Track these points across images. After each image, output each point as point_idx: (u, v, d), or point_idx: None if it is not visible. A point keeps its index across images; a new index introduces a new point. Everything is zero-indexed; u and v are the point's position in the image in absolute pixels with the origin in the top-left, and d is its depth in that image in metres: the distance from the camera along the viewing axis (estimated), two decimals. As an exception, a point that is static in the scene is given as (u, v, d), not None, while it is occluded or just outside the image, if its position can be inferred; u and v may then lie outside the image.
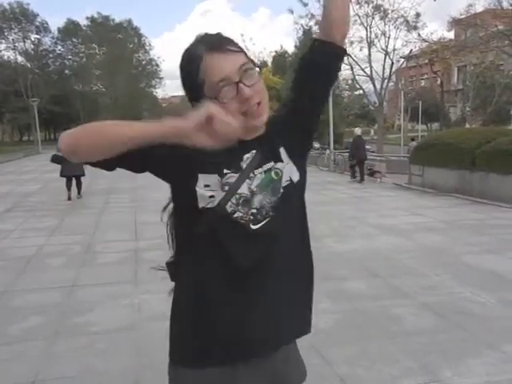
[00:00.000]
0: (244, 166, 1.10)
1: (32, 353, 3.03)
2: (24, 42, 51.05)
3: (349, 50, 27.07)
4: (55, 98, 48.15)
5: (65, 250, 5.72)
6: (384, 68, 27.83)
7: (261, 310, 1.11)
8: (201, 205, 1.06)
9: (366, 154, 13.22)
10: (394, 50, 27.41)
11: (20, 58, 51.39)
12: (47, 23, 52.46)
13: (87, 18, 57.08)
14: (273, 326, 1.13)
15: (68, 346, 3.11)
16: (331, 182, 12.68)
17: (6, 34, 49.82)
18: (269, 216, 1.10)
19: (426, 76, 48.01)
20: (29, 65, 50.86)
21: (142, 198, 9.90)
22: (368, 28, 26.75)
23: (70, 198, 9.97)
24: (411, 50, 27.51)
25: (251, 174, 1.10)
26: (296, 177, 1.15)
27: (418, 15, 25.91)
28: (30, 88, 45.46)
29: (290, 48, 39.50)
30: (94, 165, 1.05)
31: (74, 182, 10.11)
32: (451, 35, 27.40)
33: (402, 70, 34.74)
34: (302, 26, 30.17)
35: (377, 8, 25.92)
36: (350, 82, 39.10)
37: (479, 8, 22.97)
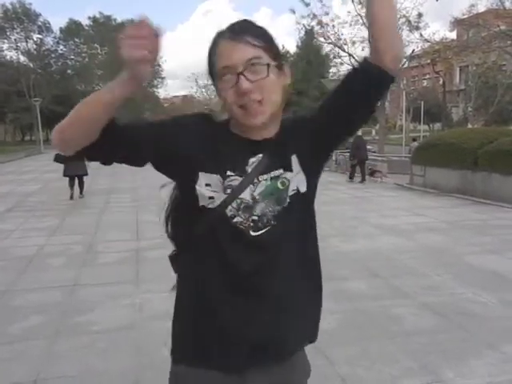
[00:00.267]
0: (249, 170, 1.06)
1: (33, 352, 3.04)
2: (26, 41, 51.10)
3: (351, 49, 27.07)
4: (57, 98, 48.14)
5: (66, 249, 5.73)
6: (386, 68, 27.78)
7: (261, 316, 1.09)
8: (201, 203, 1.05)
9: (366, 154, 13.21)
10: (396, 50, 27.35)
11: (22, 58, 51.46)
12: (49, 23, 52.51)
13: (89, 17, 57.19)
14: (275, 332, 1.10)
15: (69, 346, 3.12)
16: (333, 182, 12.66)
17: (8, 33, 49.86)
18: (270, 224, 1.07)
19: (428, 76, 47.95)
20: (31, 65, 50.87)
21: (143, 197, 9.90)
22: (370, 28, 26.69)
23: (72, 197, 10.03)
24: (413, 50, 27.45)
25: (255, 180, 1.07)
26: (303, 187, 1.10)
27: (420, 15, 25.86)
28: (32, 88, 45.51)
29: (292, 48, 39.47)
30: (90, 156, 1.05)
31: (76, 181, 10.15)
32: (453, 35, 27.39)
33: (403, 70, 34.67)
34: (303, 25, 30.15)
35: (379, 8, 25.84)
36: (351, 82, 39.11)
37: (481, 8, 22.95)
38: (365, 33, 26.94)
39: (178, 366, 1.15)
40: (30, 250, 5.71)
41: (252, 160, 1.07)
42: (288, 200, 1.08)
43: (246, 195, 1.05)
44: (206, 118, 1.11)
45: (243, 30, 1.03)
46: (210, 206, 1.04)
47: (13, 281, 4.53)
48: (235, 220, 1.05)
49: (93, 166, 10.62)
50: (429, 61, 31.06)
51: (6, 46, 50.46)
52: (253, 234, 1.06)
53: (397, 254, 5.23)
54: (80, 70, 54.20)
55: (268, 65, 1.02)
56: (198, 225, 1.07)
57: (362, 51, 27.95)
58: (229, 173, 1.05)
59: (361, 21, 26.37)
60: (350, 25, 26.64)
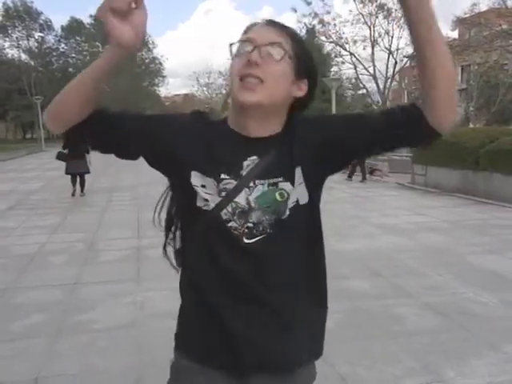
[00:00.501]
0: (244, 173, 1.03)
1: (34, 350, 3.04)
2: (28, 40, 51.16)
3: (352, 49, 27.06)
4: (58, 96, 48.20)
5: (67, 247, 5.73)
6: (387, 67, 27.83)
7: (261, 324, 1.06)
8: (198, 203, 1.03)
9: None
10: (398, 49, 27.45)
11: (24, 56, 51.50)
12: (51, 21, 52.63)
13: (90, 16, 56.99)
14: (274, 341, 1.07)
15: (70, 344, 3.12)
16: (334, 181, 12.66)
17: (9, 31, 49.93)
18: (266, 233, 1.03)
19: (429, 75, 47.77)
20: (32, 63, 50.91)
21: (144, 195, 9.90)
22: (371, 27, 26.73)
23: (73, 194, 10.11)
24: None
25: (251, 184, 1.03)
26: (304, 199, 1.05)
27: (421, 14, 25.79)
28: (33, 86, 45.56)
29: (294, 47, 39.33)
30: (80, 137, 1.06)
31: (77, 179, 10.20)
32: (455, 34, 27.35)
33: (405, 69, 34.64)
34: (305, 24, 30.16)
35: (380, 7, 25.90)
36: (353, 81, 39.07)
37: (483, 7, 22.94)
38: (366, 32, 26.96)
39: (181, 361, 1.13)
40: (31, 247, 5.71)
41: (246, 163, 1.03)
42: (288, 212, 1.03)
43: (241, 199, 1.02)
44: (203, 117, 1.09)
45: (283, 25, 1.05)
46: (205, 208, 1.02)
47: (14, 279, 4.53)
48: (230, 224, 1.02)
49: (95, 165, 10.66)
50: (430, 60, 30.98)
51: (7, 44, 50.58)
52: (246, 241, 1.03)
53: (398, 253, 5.23)
54: (81, 68, 53.00)
55: (286, 52, 1.00)
56: (195, 226, 1.05)
57: (363, 50, 27.99)
58: (223, 176, 1.02)
59: (362, 20, 26.39)
60: (352, 24, 26.72)
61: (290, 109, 1.08)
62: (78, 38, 55.58)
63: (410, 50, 27.65)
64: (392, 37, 26.99)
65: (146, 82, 60.75)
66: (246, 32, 1.05)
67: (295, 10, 29.91)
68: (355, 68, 28.10)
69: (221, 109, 1.10)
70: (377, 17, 26.35)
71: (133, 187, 11.58)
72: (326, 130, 1.05)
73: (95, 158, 10.74)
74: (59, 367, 2.81)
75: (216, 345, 1.08)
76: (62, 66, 55.34)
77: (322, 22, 27.19)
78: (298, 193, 1.04)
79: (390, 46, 27.13)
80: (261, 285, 1.04)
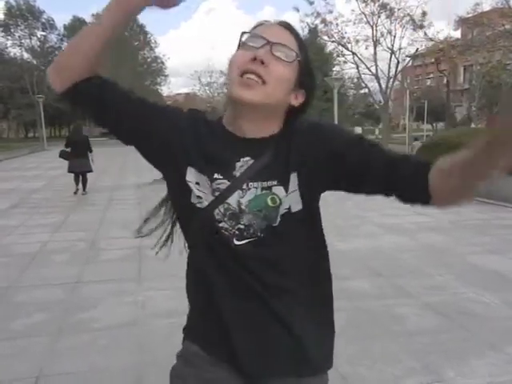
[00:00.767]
0: (237, 174, 1.00)
1: (35, 349, 3.05)
2: (30, 38, 51.16)
3: (354, 48, 27.02)
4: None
5: (69, 246, 5.75)
6: (390, 67, 27.73)
7: (254, 323, 1.05)
8: (192, 200, 1.02)
9: None
10: (400, 48, 27.31)
11: (26, 55, 51.50)
12: (53, 20, 52.59)
13: (93, 15, 56.98)
14: (261, 346, 1.05)
15: (71, 343, 3.13)
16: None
17: (12, 30, 49.92)
18: (256, 236, 1.01)
19: (431, 75, 47.84)
20: (35, 61, 50.95)
21: (146, 195, 9.91)
22: (374, 26, 26.65)
23: (76, 193, 10.16)
24: (417, 49, 27.39)
25: (244, 186, 1.00)
26: (297, 206, 1.01)
27: (424, 14, 25.78)
28: (35, 85, 45.58)
29: (296, 46, 39.28)
30: (79, 97, 1.02)
31: (80, 178, 10.24)
32: (458, 34, 27.29)
33: (407, 69, 34.57)
34: (307, 24, 30.07)
35: (383, 6, 25.81)
36: (355, 80, 39.04)
37: (486, 7, 22.84)
38: (368, 31, 26.91)
39: (193, 346, 1.12)
40: (33, 246, 5.73)
41: (239, 164, 1.00)
42: (279, 219, 1.00)
43: (232, 201, 1.00)
44: (199, 115, 1.08)
45: (289, 24, 1.03)
46: (199, 206, 1.01)
47: (16, 277, 4.55)
48: (221, 225, 1.01)
49: (97, 163, 10.68)
50: (433, 60, 30.96)
51: (9, 43, 50.55)
52: (236, 242, 1.01)
53: (399, 253, 5.23)
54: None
55: (296, 55, 0.98)
56: (191, 223, 1.05)
57: (365, 49, 27.94)
58: (216, 175, 1.00)
59: (364, 19, 26.32)
60: (354, 23, 26.60)
61: (287, 112, 1.05)
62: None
63: (412, 50, 27.65)
64: (394, 36, 26.87)
65: (148, 81, 60.75)
66: (255, 27, 1.02)
67: (297, 10, 29.91)
68: (357, 67, 28.02)
69: (223, 108, 1.06)
70: (379, 16, 26.27)
71: (135, 186, 11.59)
72: (327, 145, 1.00)
73: (98, 157, 10.77)
74: (60, 366, 2.82)
75: (215, 340, 1.08)
76: (64, 64, 55.31)
77: (324, 21, 27.09)
78: (290, 200, 1.00)
79: (393, 45, 27.02)
80: (258, 285, 1.03)
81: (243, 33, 1.01)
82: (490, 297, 3.83)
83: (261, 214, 1.00)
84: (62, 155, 10.09)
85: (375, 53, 27.00)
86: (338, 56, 30.58)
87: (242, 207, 1.00)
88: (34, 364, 2.83)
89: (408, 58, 29.46)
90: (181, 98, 68.12)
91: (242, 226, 1.00)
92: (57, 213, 8.12)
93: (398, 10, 25.81)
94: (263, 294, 1.03)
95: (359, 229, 6.49)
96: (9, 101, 46.61)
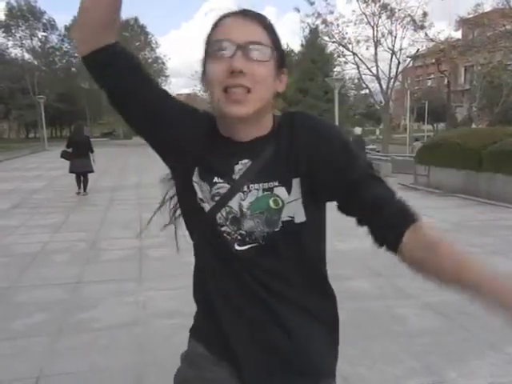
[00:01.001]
0: (236, 177, 0.98)
1: (35, 349, 3.05)
2: (31, 39, 51.25)
3: (355, 49, 27.03)
4: (61, 96, 48.36)
5: (70, 246, 5.75)
6: (390, 67, 27.74)
7: (257, 328, 1.03)
8: (197, 200, 1.00)
9: (365, 155, 13.14)
10: (401, 49, 27.33)
11: (27, 56, 51.61)
12: (54, 21, 52.68)
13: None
14: (262, 351, 1.03)
15: (71, 343, 3.13)
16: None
17: (13, 31, 50.04)
18: (257, 243, 0.99)
19: (432, 76, 47.82)
20: (35, 62, 51.04)
21: (147, 195, 9.91)
22: (375, 27, 26.66)
23: (79, 193, 10.19)
24: (418, 50, 27.39)
25: (245, 188, 0.97)
26: (300, 217, 0.98)
27: (425, 14, 25.79)
28: (36, 85, 45.65)
29: (297, 47, 39.39)
30: (102, 62, 0.96)
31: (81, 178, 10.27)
32: (458, 35, 27.29)
33: (408, 70, 34.58)
34: (308, 24, 30.12)
35: (384, 7, 25.82)
36: (356, 81, 39.04)
37: (487, 7, 22.85)
38: (369, 32, 26.91)
39: (199, 347, 1.10)
40: (33, 246, 5.73)
41: (238, 167, 0.98)
42: (280, 224, 0.97)
43: (234, 204, 0.98)
44: (211, 119, 1.04)
45: (258, 15, 0.96)
46: (202, 208, 1.00)
47: (16, 277, 4.55)
48: (223, 229, 0.99)
49: (98, 164, 10.69)
50: (433, 60, 30.99)
51: (10, 44, 50.69)
52: (237, 248, 0.99)
53: (400, 253, 5.22)
54: (84, 67, 54.23)
55: (271, 51, 0.93)
56: (196, 224, 1.04)
57: (366, 50, 27.94)
58: (216, 179, 0.99)
59: (365, 20, 26.33)
60: (355, 24, 26.63)
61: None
62: (81, 37, 55.62)
63: (412, 51, 27.65)
64: (395, 37, 26.89)
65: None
66: (217, 26, 0.96)
67: (298, 10, 29.88)
68: (358, 68, 28.04)
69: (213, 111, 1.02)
70: (380, 17, 26.28)
71: (136, 187, 11.60)
72: (327, 151, 0.97)
73: (98, 157, 10.78)
74: (60, 366, 2.82)
75: (217, 341, 1.06)
76: (65, 65, 55.41)
77: (325, 21, 27.11)
78: (294, 208, 0.98)
79: (393, 46, 27.04)
80: (260, 289, 1.01)
81: (208, 38, 0.96)
82: (491, 297, 3.82)
83: (263, 217, 0.97)
84: (64, 155, 10.13)
85: (376, 53, 27.01)
86: (338, 56, 30.60)
87: (244, 210, 0.98)
88: (34, 364, 2.83)
89: (409, 59, 29.48)
90: (182, 99, 68.06)
91: (243, 232, 0.98)
92: (57, 213, 8.13)
93: (399, 10, 25.83)
94: (265, 299, 1.01)
95: (359, 229, 6.47)
96: (10, 101, 46.67)
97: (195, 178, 1.00)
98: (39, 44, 52.25)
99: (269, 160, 0.98)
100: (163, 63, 61.34)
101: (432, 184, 10.65)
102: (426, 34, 25.07)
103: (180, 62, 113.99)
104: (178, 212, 1.17)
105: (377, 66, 27.17)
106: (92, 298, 3.92)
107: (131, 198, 9.84)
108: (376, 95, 30.85)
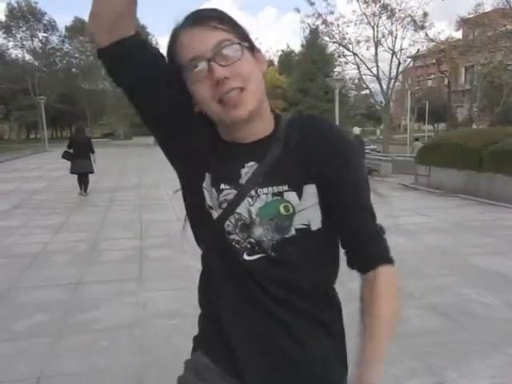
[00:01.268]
0: (243, 182, 0.95)
1: (36, 349, 3.05)
2: (32, 40, 51.29)
3: (355, 49, 27.03)
4: (62, 97, 48.40)
5: (70, 247, 5.75)
6: (391, 68, 27.75)
7: (258, 335, 1.00)
8: (206, 207, 0.98)
9: (364, 155, 13.10)
10: (401, 49, 27.33)
11: (28, 57, 51.67)
12: (55, 22, 52.71)
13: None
14: (266, 361, 0.99)
15: (72, 344, 3.13)
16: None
17: (14, 32, 50.09)
18: (266, 253, 0.95)
19: (433, 76, 47.82)
20: (36, 63, 51.07)
21: (147, 196, 9.92)
22: (375, 27, 26.67)
23: (81, 193, 10.22)
24: (418, 50, 27.38)
25: (253, 193, 0.94)
26: (317, 223, 0.95)
27: (425, 15, 25.80)
28: (37, 86, 45.68)
29: (297, 47, 39.42)
30: (122, 55, 0.91)
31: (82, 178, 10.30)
32: (459, 35, 27.28)
33: (408, 70, 34.60)
34: (308, 25, 30.12)
35: (384, 7, 25.83)
36: (356, 81, 39.04)
37: (488, 7, 22.83)
38: (369, 32, 26.92)
39: (203, 357, 1.07)
40: (34, 247, 5.73)
41: (244, 170, 0.95)
42: (293, 232, 0.94)
43: (243, 210, 0.95)
44: (209, 120, 1.00)
45: (202, 16, 0.92)
46: (210, 215, 0.98)
47: (17, 278, 4.55)
48: (232, 237, 0.96)
49: (99, 165, 10.69)
50: (434, 60, 30.98)
51: (11, 45, 50.76)
52: (246, 258, 0.96)
53: (400, 254, 5.20)
54: (85, 68, 54.32)
55: (240, 44, 0.90)
56: (203, 230, 1.01)
57: (366, 50, 27.95)
58: (222, 186, 0.96)
59: (365, 20, 26.33)
60: (355, 24, 26.64)
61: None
62: (81, 38, 55.67)
63: (413, 51, 27.65)
64: (395, 37, 26.89)
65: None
66: (174, 42, 0.93)
67: (298, 11, 29.91)
68: (358, 68, 28.05)
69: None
70: (380, 17, 26.28)
71: (136, 187, 11.60)
72: (328, 156, 0.94)
73: (99, 158, 10.79)
74: (61, 367, 2.82)
75: (220, 350, 1.04)
76: (65, 66, 55.43)
77: (325, 22, 27.12)
78: (309, 215, 0.94)
79: (394, 46, 27.04)
80: (266, 299, 0.98)
81: (170, 56, 0.94)
82: (492, 298, 3.82)
83: (272, 224, 0.94)
84: (65, 156, 10.16)
85: (376, 54, 27.01)
86: (339, 57, 30.63)
87: (253, 216, 0.94)
88: (35, 365, 2.83)
89: (409, 59, 29.47)
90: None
91: (253, 240, 0.95)
92: (58, 214, 8.13)
93: (399, 10, 25.84)
94: (271, 309, 0.98)
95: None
96: (10, 102, 46.71)
97: (205, 184, 0.97)
98: (40, 45, 52.28)
99: (276, 162, 0.94)
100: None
101: (432, 184, 10.64)
102: (427, 34, 25.08)
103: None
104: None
105: (377, 67, 27.18)
106: (92, 299, 3.92)
107: (131, 199, 9.84)
108: (376, 95, 30.87)
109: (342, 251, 1.06)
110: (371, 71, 27.75)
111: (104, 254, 5.43)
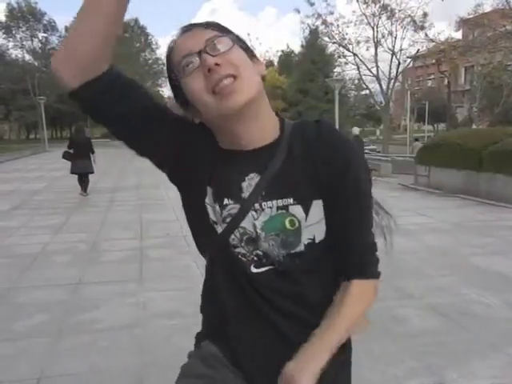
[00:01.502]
0: (245, 196, 0.93)
1: (36, 350, 3.05)
2: (31, 40, 51.42)
3: (355, 49, 27.05)
4: (62, 97, 48.24)
5: (70, 247, 5.75)
6: (391, 68, 27.79)
7: (262, 345, 1.00)
8: (210, 222, 0.96)
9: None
10: (401, 49, 27.37)
11: (27, 57, 51.80)
12: (55, 22, 52.93)
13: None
14: (271, 372, 0.96)
15: (72, 344, 3.12)
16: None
17: (13, 32, 50.18)
18: (273, 265, 0.95)
19: (432, 76, 47.84)
20: (36, 63, 51.15)
21: (147, 196, 9.92)
22: (375, 28, 26.71)
23: (82, 193, 10.23)
24: (418, 50, 27.40)
25: (257, 206, 0.92)
26: (321, 235, 0.95)
27: (425, 15, 25.84)
28: (37, 86, 45.71)
29: (297, 47, 39.44)
30: (92, 96, 0.86)
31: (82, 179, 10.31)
32: (459, 35, 27.31)
33: (408, 70, 34.61)
34: (308, 25, 30.19)
35: (384, 8, 25.86)
36: (356, 81, 39.06)
37: (487, 8, 22.86)
38: (369, 32, 26.93)
39: (212, 346, 1.05)
40: (34, 247, 5.73)
41: (245, 184, 0.93)
42: (301, 248, 0.93)
43: (247, 224, 0.93)
44: (206, 130, 0.98)
45: (194, 24, 0.93)
46: (215, 230, 0.96)
47: (17, 278, 4.55)
48: (237, 250, 0.95)
49: (98, 165, 10.69)
50: (434, 61, 30.99)
51: (11, 45, 50.85)
52: (253, 270, 0.95)
53: (400, 254, 5.21)
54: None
55: (231, 39, 0.89)
56: (207, 244, 1.00)
57: (366, 51, 27.98)
58: (226, 201, 0.94)
59: (365, 20, 26.35)
60: (355, 24, 26.70)
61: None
62: (81, 38, 55.71)
63: (413, 51, 27.67)
64: (395, 37, 26.93)
65: (149, 83, 60.84)
66: (172, 49, 0.92)
67: (298, 11, 30.08)
68: (358, 69, 28.10)
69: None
70: (380, 17, 26.31)
71: (136, 188, 11.60)
72: (341, 168, 0.92)
73: (99, 158, 10.79)
74: (61, 367, 2.82)
75: (224, 354, 1.03)
76: (65, 66, 55.45)
77: (325, 22, 27.17)
78: (315, 229, 0.93)
79: (394, 46, 27.07)
80: (272, 312, 0.97)
81: (169, 64, 0.94)
82: (492, 298, 3.82)
83: (278, 239, 0.92)
84: (65, 156, 10.18)
85: (376, 54, 27.04)
86: (339, 57, 30.68)
87: (258, 230, 0.92)
88: (35, 365, 2.83)
89: (409, 59, 29.50)
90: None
91: (260, 253, 0.94)
92: (58, 214, 8.13)
93: (399, 11, 25.88)
94: (276, 322, 0.98)
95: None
96: (10, 102, 46.76)
97: (208, 199, 0.95)
98: (40, 45, 52.38)
99: (279, 172, 0.92)
100: (164, 64, 61.13)
101: (432, 184, 10.64)
102: (426, 35, 25.12)
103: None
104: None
105: (377, 67, 27.22)
106: (92, 299, 3.92)
107: (131, 199, 9.84)
108: (376, 96, 30.88)
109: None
110: (371, 71, 27.80)
111: (104, 254, 5.42)
